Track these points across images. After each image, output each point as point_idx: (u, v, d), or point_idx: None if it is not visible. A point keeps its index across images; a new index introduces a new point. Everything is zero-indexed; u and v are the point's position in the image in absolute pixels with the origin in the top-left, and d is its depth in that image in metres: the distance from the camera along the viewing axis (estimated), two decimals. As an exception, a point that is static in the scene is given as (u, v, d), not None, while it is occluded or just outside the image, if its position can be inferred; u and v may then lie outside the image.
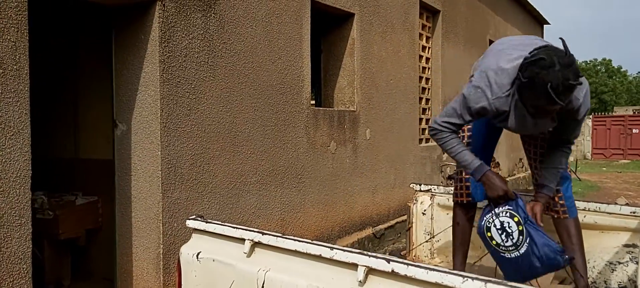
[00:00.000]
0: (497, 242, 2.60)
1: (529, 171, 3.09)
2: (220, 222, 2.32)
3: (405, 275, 1.67)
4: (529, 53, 2.34)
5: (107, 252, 4.23)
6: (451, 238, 3.58)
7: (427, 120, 7.80)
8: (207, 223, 2.33)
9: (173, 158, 3.62)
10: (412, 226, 3.86)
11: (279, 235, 2.07)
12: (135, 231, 3.73)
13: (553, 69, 2.20)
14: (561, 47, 2.30)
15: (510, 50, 2.55)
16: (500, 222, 2.58)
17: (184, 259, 2.36)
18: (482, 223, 2.67)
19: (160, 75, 3.51)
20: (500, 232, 2.58)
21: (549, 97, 2.21)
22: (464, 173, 3.06)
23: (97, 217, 4.58)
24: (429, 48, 7.81)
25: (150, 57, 3.55)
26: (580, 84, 2.26)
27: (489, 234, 2.63)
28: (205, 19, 3.85)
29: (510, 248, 2.54)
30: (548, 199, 2.76)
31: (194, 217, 2.41)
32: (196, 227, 2.39)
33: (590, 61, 47.90)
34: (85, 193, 4.60)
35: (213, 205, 3.95)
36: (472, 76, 2.71)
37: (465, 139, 3.09)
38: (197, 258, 2.29)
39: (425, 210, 3.83)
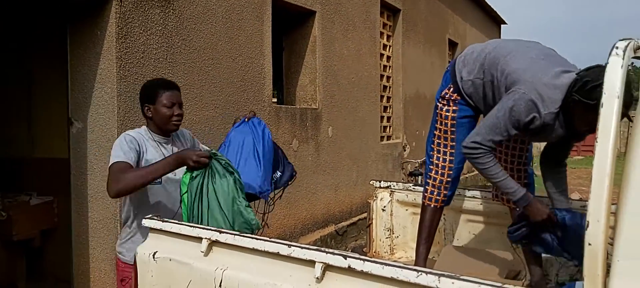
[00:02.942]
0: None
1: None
2: (176, 221, 2.30)
3: (362, 270, 1.69)
4: (577, 74, 2.38)
5: (64, 253, 4.12)
6: (410, 234, 3.63)
7: (389, 118, 7.90)
8: (164, 223, 2.30)
9: (131, 156, 3.55)
10: (372, 222, 3.91)
11: (237, 233, 2.07)
12: (92, 231, 3.64)
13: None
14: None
15: (547, 62, 2.56)
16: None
17: (140, 259, 2.32)
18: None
19: (117, 71, 3.44)
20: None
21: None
22: (444, 178, 3.00)
23: (52, 218, 4.47)
24: (389, 46, 7.91)
25: (107, 53, 3.47)
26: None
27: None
28: (163, 14, 3.79)
29: None
30: None
31: (150, 216, 2.37)
32: (152, 227, 2.35)
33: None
34: (41, 193, 4.47)
35: (173, 204, 3.90)
36: (502, 83, 2.64)
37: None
38: (154, 258, 2.26)
39: (384, 207, 3.88)
